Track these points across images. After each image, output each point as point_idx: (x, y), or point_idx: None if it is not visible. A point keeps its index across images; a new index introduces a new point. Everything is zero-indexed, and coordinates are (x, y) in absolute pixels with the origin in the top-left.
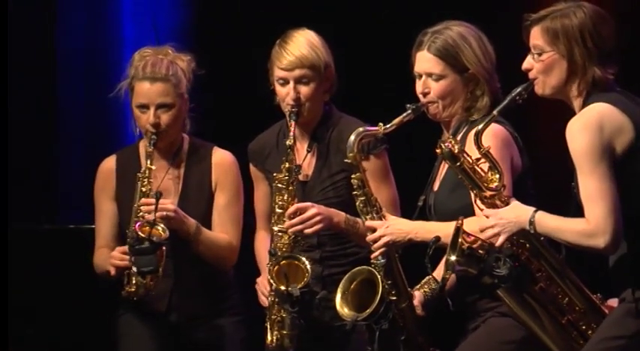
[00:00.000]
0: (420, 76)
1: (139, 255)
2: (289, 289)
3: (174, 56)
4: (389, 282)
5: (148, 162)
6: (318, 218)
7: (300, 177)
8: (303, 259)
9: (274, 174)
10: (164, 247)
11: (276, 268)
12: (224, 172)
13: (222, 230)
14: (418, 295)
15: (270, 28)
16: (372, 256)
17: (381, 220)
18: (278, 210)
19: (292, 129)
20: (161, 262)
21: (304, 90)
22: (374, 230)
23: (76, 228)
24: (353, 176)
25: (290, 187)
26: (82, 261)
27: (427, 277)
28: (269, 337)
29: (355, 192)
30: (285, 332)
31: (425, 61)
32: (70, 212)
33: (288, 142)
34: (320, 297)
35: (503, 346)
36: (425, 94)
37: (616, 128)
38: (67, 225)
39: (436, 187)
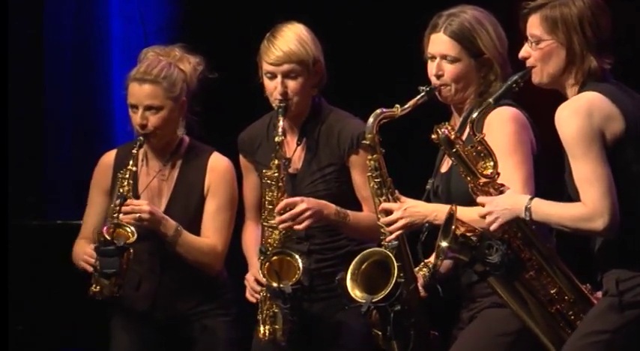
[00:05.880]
0: (434, 58)
1: (103, 256)
2: (281, 286)
3: (180, 58)
4: (398, 264)
5: (130, 163)
6: (307, 213)
7: (290, 170)
8: (295, 255)
9: (263, 171)
10: (131, 250)
11: (266, 264)
12: (218, 177)
13: (209, 235)
14: (418, 278)
15: (259, 22)
16: (387, 239)
17: (396, 202)
18: (268, 206)
19: (281, 125)
20: (126, 265)
21: (292, 84)
22: (389, 212)
23: (64, 224)
24: (370, 157)
25: (280, 184)
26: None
27: (424, 261)
28: (261, 331)
29: (370, 173)
30: (277, 327)
31: (440, 43)
32: (58, 208)
33: (277, 139)
34: (339, 278)
35: (501, 338)
36: (438, 77)
37: (605, 116)
38: (55, 221)
39: (443, 169)
